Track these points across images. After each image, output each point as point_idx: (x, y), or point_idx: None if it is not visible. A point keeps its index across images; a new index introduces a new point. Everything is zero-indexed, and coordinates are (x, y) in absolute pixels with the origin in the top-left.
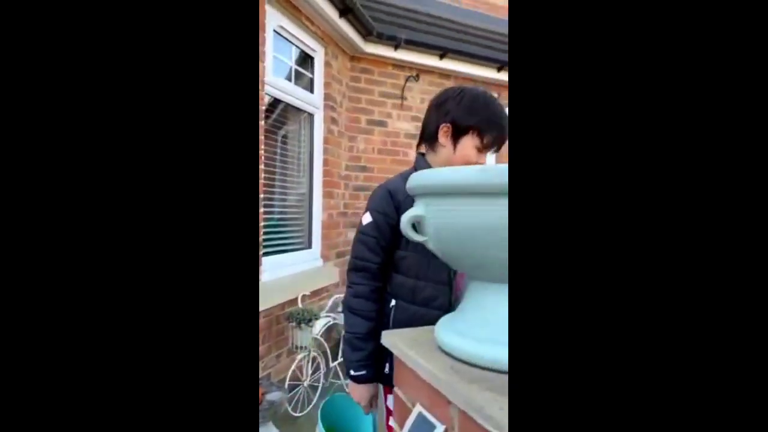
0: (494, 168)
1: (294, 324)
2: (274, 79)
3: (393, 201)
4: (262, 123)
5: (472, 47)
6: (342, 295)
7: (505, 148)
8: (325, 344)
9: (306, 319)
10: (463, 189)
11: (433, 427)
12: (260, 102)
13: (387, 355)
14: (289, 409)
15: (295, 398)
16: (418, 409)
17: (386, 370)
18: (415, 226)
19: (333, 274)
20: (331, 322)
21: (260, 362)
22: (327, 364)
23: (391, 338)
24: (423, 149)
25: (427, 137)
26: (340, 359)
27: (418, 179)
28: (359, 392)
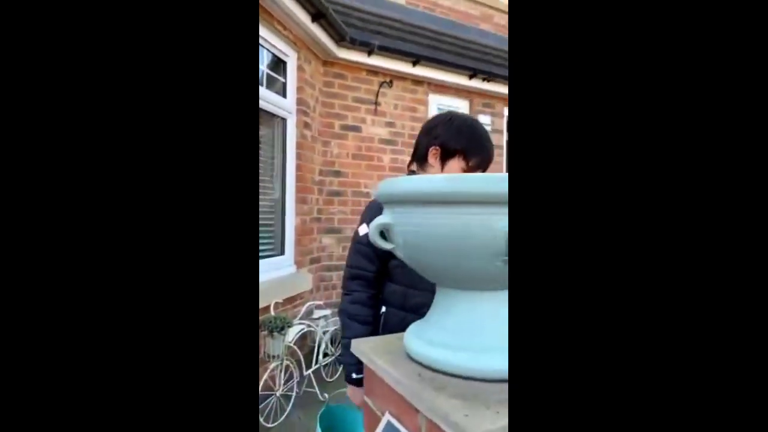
0: (460, 177)
1: (266, 332)
2: None
3: None
4: None
5: (445, 54)
6: (317, 302)
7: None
8: (299, 352)
9: (278, 327)
10: (428, 197)
11: None
12: None
13: None
14: (261, 420)
15: (268, 408)
16: (387, 417)
17: None
18: (384, 234)
19: (307, 281)
20: (305, 330)
21: None
22: (301, 373)
23: (360, 346)
24: (414, 167)
25: (418, 157)
26: (314, 367)
27: (384, 187)
28: (360, 395)
